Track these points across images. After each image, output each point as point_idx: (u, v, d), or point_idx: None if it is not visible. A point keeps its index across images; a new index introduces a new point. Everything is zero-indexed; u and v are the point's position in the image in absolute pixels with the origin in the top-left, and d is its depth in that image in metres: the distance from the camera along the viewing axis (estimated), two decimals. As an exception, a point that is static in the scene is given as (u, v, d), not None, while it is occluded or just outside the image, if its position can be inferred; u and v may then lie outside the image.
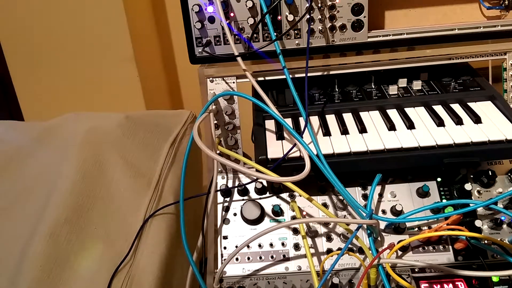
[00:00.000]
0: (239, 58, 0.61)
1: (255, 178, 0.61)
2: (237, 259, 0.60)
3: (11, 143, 0.71)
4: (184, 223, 0.58)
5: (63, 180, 0.61)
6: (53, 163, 0.64)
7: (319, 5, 0.60)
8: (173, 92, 1.09)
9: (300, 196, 0.63)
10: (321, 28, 0.62)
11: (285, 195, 0.64)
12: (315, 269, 0.54)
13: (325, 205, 0.62)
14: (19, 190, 0.63)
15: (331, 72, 0.66)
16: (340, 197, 0.62)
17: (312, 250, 0.60)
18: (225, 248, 0.61)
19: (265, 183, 0.64)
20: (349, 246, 0.59)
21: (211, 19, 0.62)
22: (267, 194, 0.64)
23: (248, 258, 0.60)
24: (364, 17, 0.62)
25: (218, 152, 0.65)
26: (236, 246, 0.61)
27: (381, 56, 0.67)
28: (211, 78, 0.66)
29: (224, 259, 0.60)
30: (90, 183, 0.62)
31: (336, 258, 0.54)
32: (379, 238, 0.59)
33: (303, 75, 0.62)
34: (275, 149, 0.60)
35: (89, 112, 0.72)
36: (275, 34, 0.59)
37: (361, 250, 0.59)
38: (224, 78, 0.65)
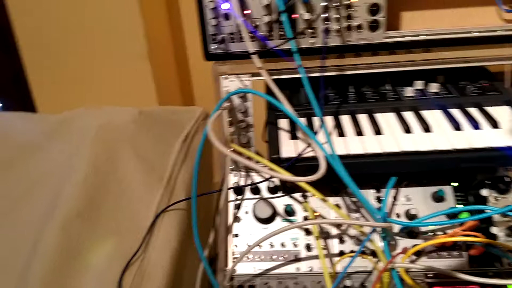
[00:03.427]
0: (254, 56, 0.60)
1: (270, 176, 0.60)
2: (248, 257, 0.60)
3: (24, 135, 0.71)
4: (197, 220, 0.58)
5: (76, 173, 0.61)
6: (66, 156, 0.64)
7: (336, 4, 0.60)
8: (184, 89, 1.09)
9: (313, 196, 0.63)
10: (337, 27, 0.61)
11: (297, 195, 0.64)
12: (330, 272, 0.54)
13: (337, 206, 0.62)
14: (31, 182, 0.63)
15: (346, 72, 0.65)
16: (354, 199, 0.61)
17: (324, 252, 0.59)
18: (236, 246, 0.61)
19: (277, 182, 0.64)
20: (363, 249, 0.58)
21: (226, 16, 0.61)
22: (279, 194, 0.64)
23: (259, 257, 0.60)
24: (381, 17, 0.61)
25: (231, 149, 0.64)
26: (247, 245, 0.61)
27: (397, 57, 0.66)
28: (225, 76, 0.65)
29: (235, 257, 0.60)
30: (102, 177, 0.62)
31: (350, 260, 0.53)
32: (392, 242, 0.58)
33: (317, 74, 0.61)
34: (289, 148, 0.60)
35: (102, 106, 0.72)
36: (291, 32, 0.59)
37: (373, 253, 0.58)
38: (238, 75, 0.65)
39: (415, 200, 0.61)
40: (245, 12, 0.60)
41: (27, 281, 0.52)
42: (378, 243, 0.57)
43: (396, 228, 0.59)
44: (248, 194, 0.65)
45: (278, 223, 0.62)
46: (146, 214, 0.63)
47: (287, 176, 0.52)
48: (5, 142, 0.70)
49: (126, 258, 0.57)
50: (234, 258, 0.60)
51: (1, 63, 1.15)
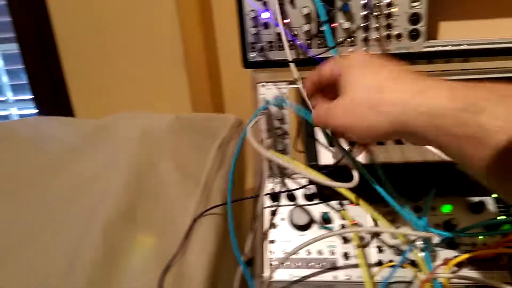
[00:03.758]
0: (292, 64, 0.61)
1: (308, 183, 0.60)
2: (284, 264, 0.60)
3: (65, 140, 0.74)
4: (233, 225, 0.59)
5: (118, 176, 0.63)
6: (108, 160, 0.66)
7: (376, 13, 0.60)
8: (215, 96, 1.11)
9: (350, 204, 0.63)
10: (376, 36, 0.61)
11: (334, 203, 0.64)
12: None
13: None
14: (74, 185, 0.66)
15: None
16: (391, 208, 0.61)
17: (361, 260, 0.59)
18: (271, 252, 0.62)
19: (314, 190, 0.64)
20: (404, 258, 0.58)
21: (266, 25, 0.62)
22: (316, 201, 0.64)
23: (296, 264, 0.60)
24: (422, 26, 0.61)
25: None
26: (283, 251, 0.61)
27: (435, 66, 0.66)
28: (262, 83, 0.66)
29: (271, 264, 0.60)
30: (142, 180, 0.64)
31: (391, 270, 0.53)
32: (432, 253, 0.57)
33: None
34: (326, 155, 0.60)
35: (141, 111, 0.74)
36: (333, 41, 0.60)
37: (412, 263, 0.57)
38: (276, 83, 0.66)
39: (455, 211, 0.61)
40: (285, 21, 0.61)
41: (72, 278, 0.54)
42: (418, 253, 0.57)
43: (436, 239, 0.58)
44: (284, 200, 0.65)
45: (314, 230, 0.62)
46: (184, 218, 0.64)
47: (329, 182, 0.52)
48: (49, 145, 0.72)
49: (165, 260, 0.58)
50: (270, 264, 0.60)
51: (39, 70, 1.19)
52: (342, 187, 0.51)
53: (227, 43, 1.07)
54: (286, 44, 0.61)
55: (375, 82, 0.39)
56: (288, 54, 0.61)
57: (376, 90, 0.39)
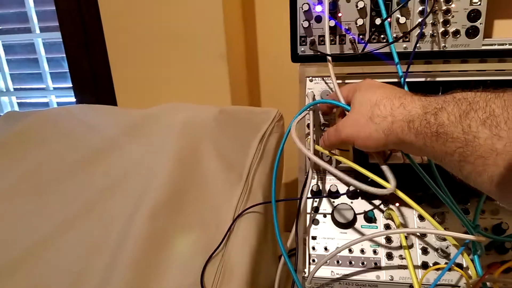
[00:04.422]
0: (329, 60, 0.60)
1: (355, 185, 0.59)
2: (325, 261, 0.60)
3: (112, 128, 0.75)
4: (277, 222, 0.58)
5: (163, 165, 0.64)
6: (153, 149, 0.67)
7: (434, 9, 0.58)
8: (252, 90, 1.11)
9: (395, 204, 0.62)
10: (432, 33, 0.60)
11: (377, 201, 0.63)
12: (411, 282, 0.52)
13: (420, 217, 0.60)
14: (121, 172, 0.67)
15: (437, 79, 0.64)
16: (440, 209, 0.60)
17: (405, 262, 0.58)
18: (313, 248, 0.61)
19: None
20: (446, 261, 0.56)
21: (318, 19, 0.62)
22: (359, 199, 0.63)
23: (337, 262, 0.60)
24: (481, 24, 0.59)
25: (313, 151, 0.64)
26: (325, 248, 0.60)
27: (488, 65, 0.63)
28: (310, 77, 0.65)
29: (313, 260, 0.60)
30: (187, 169, 0.64)
31: (441, 273, 0.51)
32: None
33: (416, 79, 0.61)
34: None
35: (186, 103, 0.75)
36: (392, 36, 0.59)
37: (459, 266, 0.56)
38: (324, 78, 0.65)
39: (503, 215, 0.59)
40: (337, 15, 0.60)
41: (117, 265, 0.55)
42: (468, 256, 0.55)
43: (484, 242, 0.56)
44: (327, 198, 0.64)
45: (358, 228, 0.61)
46: (226, 209, 0.64)
47: (372, 188, 0.51)
48: (96, 133, 0.74)
49: (207, 250, 0.58)
50: (313, 260, 0.60)
51: (80, 59, 1.22)
52: (380, 193, 0.50)
53: (266, 38, 1.06)
54: (338, 39, 0.60)
55: (374, 99, 0.49)
56: (340, 48, 0.60)
57: (373, 105, 0.48)
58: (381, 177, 0.52)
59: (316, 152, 0.63)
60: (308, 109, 0.62)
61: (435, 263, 0.57)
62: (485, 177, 0.37)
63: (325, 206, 0.64)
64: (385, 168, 0.51)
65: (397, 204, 0.62)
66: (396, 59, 0.58)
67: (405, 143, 0.45)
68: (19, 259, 0.58)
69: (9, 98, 1.51)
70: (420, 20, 0.58)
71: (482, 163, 0.37)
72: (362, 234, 0.61)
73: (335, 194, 0.63)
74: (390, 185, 0.50)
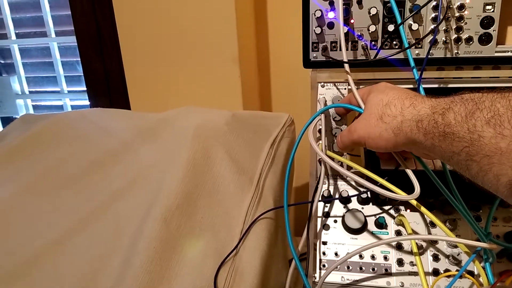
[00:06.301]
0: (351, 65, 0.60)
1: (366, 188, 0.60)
2: (336, 267, 0.60)
3: (127, 131, 0.76)
4: (289, 226, 0.59)
5: (176, 168, 0.65)
6: (167, 152, 0.68)
7: (447, 15, 0.59)
8: (264, 94, 1.12)
9: (406, 210, 0.61)
10: (445, 39, 0.60)
11: (388, 207, 0.63)
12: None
13: (431, 223, 0.60)
14: (135, 174, 0.68)
15: (449, 86, 0.64)
16: (451, 216, 0.59)
17: (415, 269, 0.58)
18: (324, 253, 0.61)
19: (369, 193, 0.63)
20: (458, 268, 0.56)
21: (331, 25, 0.62)
22: (370, 205, 0.63)
23: (348, 267, 0.60)
24: (494, 30, 0.59)
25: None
26: (335, 253, 0.60)
27: (501, 72, 0.63)
28: (322, 83, 0.66)
29: (324, 265, 0.60)
30: (199, 173, 0.65)
31: (452, 280, 0.51)
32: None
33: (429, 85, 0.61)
34: (388, 160, 0.59)
35: (199, 107, 0.76)
36: (408, 42, 0.59)
37: (470, 274, 0.55)
38: (336, 83, 0.66)
39: (516, 223, 0.58)
40: (350, 21, 0.61)
41: (130, 267, 0.55)
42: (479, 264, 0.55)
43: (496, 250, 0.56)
44: (337, 202, 0.65)
45: (368, 234, 0.61)
46: (237, 213, 0.64)
47: (394, 194, 0.51)
48: (110, 136, 0.75)
49: (218, 254, 0.59)
50: (323, 265, 0.60)
51: (95, 63, 1.24)
52: (405, 199, 0.50)
53: (278, 44, 1.07)
54: (349, 45, 0.61)
55: (385, 100, 0.49)
56: (352, 54, 0.61)
57: (384, 105, 0.49)
58: (391, 183, 0.52)
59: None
60: (320, 114, 0.63)
61: (446, 270, 0.57)
62: (491, 175, 0.38)
63: (336, 211, 0.64)
64: (409, 172, 0.52)
65: (408, 210, 0.62)
66: (412, 63, 0.58)
67: (414, 143, 0.46)
68: (34, 258, 0.59)
69: (24, 100, 1.55)
70: (433, 26, 0.58)
71: (487, 162, 0.38)
72: (372, 240, 0.61)
73: (347, 197, 0.63)
74: (415, 191, 0.50)
